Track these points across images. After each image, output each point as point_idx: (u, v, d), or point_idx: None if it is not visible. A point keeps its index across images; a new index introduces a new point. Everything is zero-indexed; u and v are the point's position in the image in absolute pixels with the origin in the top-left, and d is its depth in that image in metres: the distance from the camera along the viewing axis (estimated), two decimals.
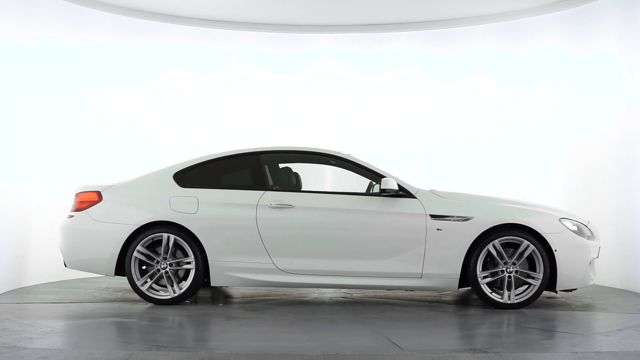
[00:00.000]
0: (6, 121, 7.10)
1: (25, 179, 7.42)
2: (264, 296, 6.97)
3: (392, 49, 9.57)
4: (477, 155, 9.12)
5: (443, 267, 6.14)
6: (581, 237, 6.21)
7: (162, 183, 6.58)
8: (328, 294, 7.13)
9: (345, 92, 9.67)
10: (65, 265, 6.65)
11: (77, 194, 6.72)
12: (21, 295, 6.89)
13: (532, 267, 6.13)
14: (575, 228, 6.24)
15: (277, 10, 8.99)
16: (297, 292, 7.20)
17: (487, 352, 4.37)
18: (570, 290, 6.34)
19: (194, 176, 6.61)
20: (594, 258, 6.33)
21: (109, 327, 5.34)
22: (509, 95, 9.03)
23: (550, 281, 6.14)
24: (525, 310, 6.04)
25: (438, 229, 6.13)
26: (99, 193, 6.61)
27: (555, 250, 6.07)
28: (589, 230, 6.37)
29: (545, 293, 6.88)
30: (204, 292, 7.26)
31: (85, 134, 8.41)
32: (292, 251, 6.25)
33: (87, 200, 6.63)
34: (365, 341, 4.81)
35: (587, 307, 6.29)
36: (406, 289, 6.41)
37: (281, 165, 6.94)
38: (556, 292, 6.34)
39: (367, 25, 9.49)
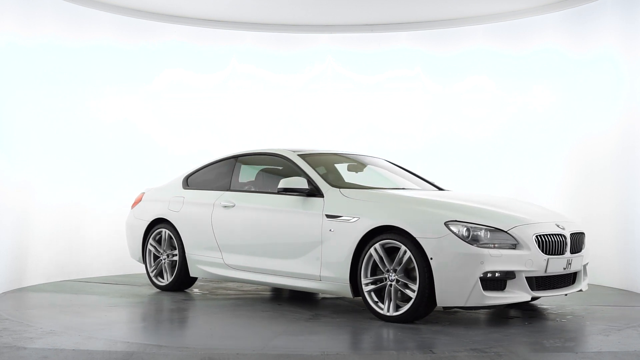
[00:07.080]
0: (6, 121, 7.10)
1: (25, 178, 7.42)
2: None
3: (392, 49, 9.56)
4: (477, 155, 9.12)
5: (335, 271, 5.67)
6: (470, 245, 5.06)
7: (175, 186, 7.37)
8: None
9: (345, 92, 9.66)
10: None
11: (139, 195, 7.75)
12: (21, 295, 6.89)
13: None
14: (467, 233, 5.12)
15: (277, 10, 8.99)
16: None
17: (487, 352, 4.37)
18: (450, 308, 5.45)
19: (194, 179, 7.27)
20: (521, 271, 5.16)
21: (109, 327, 5.34)
22: (509, 95, 9.03)
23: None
24: (524, 311, 6.04)
25: (330, 230, 5.73)
26: (143, 194, 7.66)
27: (431, 258, 5.12)
28: (512, 237, 5.19)
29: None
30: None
31: (86, 133, 8.41)
32: (233, 247, 6.57)
33: (137, 200, 7.69)
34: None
35: (586, 308, 6.28)
36: (311, 291, 6.12)
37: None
38: (444, 309, 5.70)
39: (367, 25, 9.48)
